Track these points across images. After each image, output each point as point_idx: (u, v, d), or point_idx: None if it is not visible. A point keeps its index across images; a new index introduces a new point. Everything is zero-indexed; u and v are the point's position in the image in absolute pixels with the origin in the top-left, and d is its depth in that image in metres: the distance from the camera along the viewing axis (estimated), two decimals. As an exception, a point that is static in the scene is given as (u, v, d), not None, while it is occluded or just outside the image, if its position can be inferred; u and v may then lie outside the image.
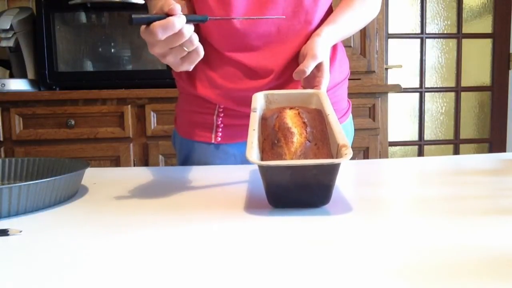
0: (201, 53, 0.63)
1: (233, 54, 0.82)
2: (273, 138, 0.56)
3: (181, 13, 0.59)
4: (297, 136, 0.55)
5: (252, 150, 0.53)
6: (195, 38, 0.61)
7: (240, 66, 0.82)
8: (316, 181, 0.50)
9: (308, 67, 0.72)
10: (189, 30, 0.60)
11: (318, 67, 0.74)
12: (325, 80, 0.74)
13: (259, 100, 0.67)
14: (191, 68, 0.65)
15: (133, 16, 0.58)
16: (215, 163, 0.88)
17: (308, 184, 0.51)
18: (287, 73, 0.82)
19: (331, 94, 0.87)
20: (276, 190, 0.51)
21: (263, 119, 0.61)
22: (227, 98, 0.85)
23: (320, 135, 0.57)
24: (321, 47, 0.75)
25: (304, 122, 0.57)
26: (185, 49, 0.61)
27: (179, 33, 0.58)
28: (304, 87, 0.76)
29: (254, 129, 0.58)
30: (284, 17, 0.78)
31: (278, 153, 0.54)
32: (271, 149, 0.55)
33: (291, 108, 0.61)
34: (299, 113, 0.59)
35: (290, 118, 0.58)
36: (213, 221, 0.49)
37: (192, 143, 0.91)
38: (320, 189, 0.51)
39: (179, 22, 0.58)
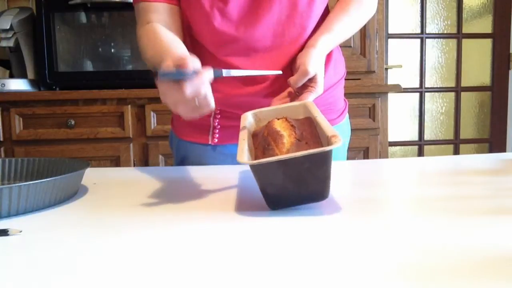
0: (212, 106, 0.60)
1: (228, 58, 0.81)
2: (264, 144, 0.56)
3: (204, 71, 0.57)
4: (287, 137, 0.55)
5: (243, 153, 0.53)
6: (210, 95, 0.59)
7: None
8: (311, 175, 0.50)
9: (298, 83, 0.73)
10: (208, 87, 0.58)
11: (311, 79, 0.74)
12: (317, 90, 0.75)
13: (248, 119, 0.68)
14: (198, 117, 0.62)
15: (160, 72, 0.55)
16: (212, 164, 0.88)
17: (303, 179, 0.50)
18: (282, 79, 0.82)
19: (327, 95, 0.87)
20: (272, 190, 0.51)
21: (253, 135, 0.62)
22: (222, 102, 0.85)
23: (310, 136, 0.57)
24: (314, 61, 0.75)
25: (292, 125, 0.58)
26: (197, 104, 0.59)
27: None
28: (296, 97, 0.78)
29: (244, 139, 0.58)
30: (281, 72, 0.76)
31: (270, 155, 0.53)
32: (262, 154, 0.55)
33: (278, 119, 0.62)
34: (286, 119, 0.60)
35: (278, 125, 0.59)
36: (211, 221, 0.49)
37: (189, 145, 0.91)
38: (316, 183, 0.51)
39: (207, 85, 0.57)
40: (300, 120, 0.61)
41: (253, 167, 0.50)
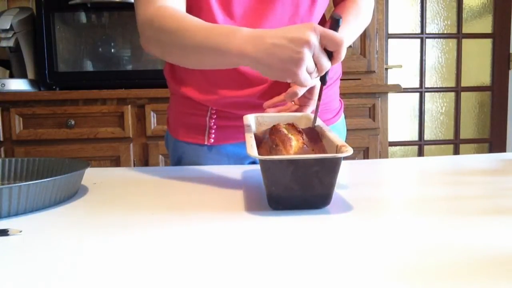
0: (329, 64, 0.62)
1: None
2: (270, 144, 0.57)
3: None
4: (294, 141, 0.56)
5: (253, 148, 0.53)
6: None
7: (232, 72, 0.81)
8: (318, 179, 0.50)
9: (300, 91, 0.72)
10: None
11: (310, 89, 0.74)
12: (314, 102, 0.75)
13: (250, 121, 0.69)
14: (312, 79, 0.62)
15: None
16: (208, 165, 0.88)
17: (309, 182, 0.51)
18: (280, 82, 0.82)
19: (322, 95, 0.87)
20: (277, 189, 0.51)
21: (256, 136, 0.62)
22: (218, 103, 0.85)
23: (315, 144, 0.58)
24: None
25: (299, 131, 0.58)
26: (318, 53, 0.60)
27: None
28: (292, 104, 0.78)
29: (251, 136, 0.59)
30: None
31: (278, 155, 0.54)
32: (269, 153, 0.55)
33: (284, 124, 0.62)
34: (293, 124, 0.61)
35: (285, 129, 0.59)
36: (212, 221, 0.49)
37: (185, 145, 0.90)
38: (321, 188, 0.51)
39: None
40: (304, 129, 0.62)
41: (263, 162, 0.50)
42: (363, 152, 2.06)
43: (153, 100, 1.91)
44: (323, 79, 0.63)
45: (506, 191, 0.60)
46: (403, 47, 2.77)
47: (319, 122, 0.66)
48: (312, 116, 0.71)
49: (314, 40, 0.56)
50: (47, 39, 1.95)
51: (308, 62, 0.57)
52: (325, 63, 0.59)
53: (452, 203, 0.54)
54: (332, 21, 0.60)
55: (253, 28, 0.62)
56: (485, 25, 2.82)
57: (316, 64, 0.59)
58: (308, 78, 0.58)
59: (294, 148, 0.55)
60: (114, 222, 0.50)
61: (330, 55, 0.59)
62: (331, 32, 0.57)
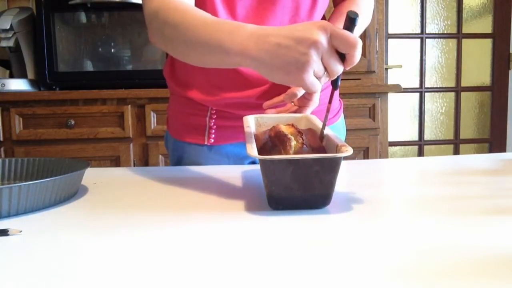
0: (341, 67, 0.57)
1: None
2: (270, 144, 0.57)
3: None
4: (294, 142, 0.56)
5: (252, 148, 0.53)
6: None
7: (233, 73, 0.81)
8: (318, 179, 0.50)
9: (299, 92, 0.72)
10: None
11: None
12: (313, 104, 0.75)
13: (250, 122, 0.69)
14: (321, 84, 0.57)
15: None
16: (208, 165, 0.88)
17: (309, 182, 0.51)
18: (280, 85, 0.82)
19: (322, 95, 0.87)
20: (277, 189, 0.51)
21: (256, 136, 0.62)
22: (218, 103, 0.85)
23: (315, 145, 0.58)
24: None
25: (299, 131, 0.58)
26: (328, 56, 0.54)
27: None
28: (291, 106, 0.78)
29: (251, 137, 0.59)
30: None
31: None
32: (269, 154, 0.55)
33: (284, 125, 0.62)
34: (293, 125, 0.61)
35: (285, 129, 0.59)
36: (212, 221, 0.49)
37: (185, 145, 0.90)
38: (321, 188, 0.51)
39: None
40: (304, 130, 0.62)
41: (263, 162, 0.50)
42: (363, 152, 2.07)
43: (153, 100, 1.91)
44: (334, 84, 0.58)
45: (506, 191, 0.60)
46: (403, 47, 2.78)
47: (319, 122, 0.66)
48: (312, 117, 0.71)
49: (323, 40, 0.51)
50: (47, 39, 1.95)
51: (315, 65, 0.51)
52: (336, 66, 0.53)
53: (452, 203, 0.54)
54: (347, 20, 0.53)
55: (258, 25, 0.58)
56: (485, 25, 2.82)
57: (326, 68, 0.53)
58: (315, 82, 0.53)
59: (294, 148, 0.55)
60: (114, 222, 0.50)
61: (343, 57, 0.53)
62: (344, 32, 0.51)
